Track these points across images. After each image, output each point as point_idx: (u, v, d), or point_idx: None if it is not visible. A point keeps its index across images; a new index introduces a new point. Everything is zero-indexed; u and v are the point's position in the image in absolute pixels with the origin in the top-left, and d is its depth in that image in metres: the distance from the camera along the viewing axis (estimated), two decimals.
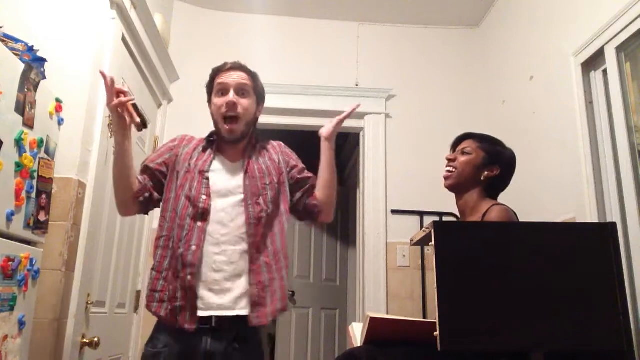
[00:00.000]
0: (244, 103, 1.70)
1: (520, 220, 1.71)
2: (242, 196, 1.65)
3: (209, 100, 1.77)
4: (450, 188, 1.77)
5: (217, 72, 1.76)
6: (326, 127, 1.84)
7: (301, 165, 1.85)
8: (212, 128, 1.77)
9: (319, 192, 1.81)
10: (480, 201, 1.72)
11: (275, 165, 1.77)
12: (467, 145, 1.76)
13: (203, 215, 1.60)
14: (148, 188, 1.69)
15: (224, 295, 1.55)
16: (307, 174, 1.84)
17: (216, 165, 1.72)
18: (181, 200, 1.63)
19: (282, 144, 1.87)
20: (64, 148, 1.86)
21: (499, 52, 3.17)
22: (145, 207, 1.72)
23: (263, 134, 2.39)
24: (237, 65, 1.75)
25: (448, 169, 1.77)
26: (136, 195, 1.67)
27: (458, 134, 1.85)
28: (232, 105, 1.67)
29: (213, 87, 1.75)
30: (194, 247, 1.55)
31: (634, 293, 1.85)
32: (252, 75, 1.76)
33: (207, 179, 1.66)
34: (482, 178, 1.72)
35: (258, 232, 1.62)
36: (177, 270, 1.56)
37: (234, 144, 1.73)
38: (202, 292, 1.54)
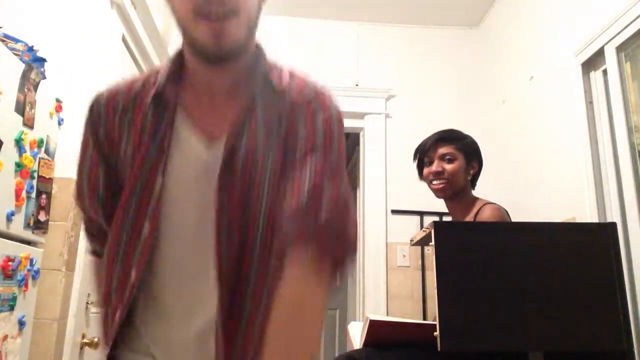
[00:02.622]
0: None
1: (520, 220, 1.71)
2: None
3: None
4: (446, 198, 1.75)
5: None
6: None
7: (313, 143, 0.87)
8: None
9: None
10: (470, 200, 1.72)
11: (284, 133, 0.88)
12: (446, 151, 1.71)
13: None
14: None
15: None
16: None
17: (179, 148, 0.87)
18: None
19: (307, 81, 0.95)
20: (64, 148, 1.86)
21: (499, 52, 3.17)
22: None
23: None
24: None
25: (437, 182, 1.71)
26: None
27: None
28: None
29: None
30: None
31: (634, 293, 1.85)
32: None
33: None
34: (468, 178, 1.73)
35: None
36: None
37: (219, 70, 0.88)
38: None
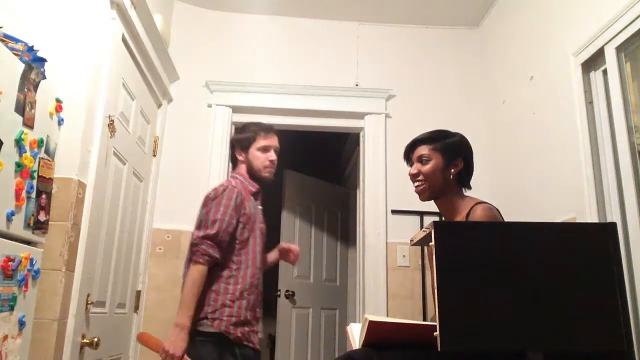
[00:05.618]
0: None
1: (520, 220, 1.71)
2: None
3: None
4: (428, 200, 1.74)
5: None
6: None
7: None
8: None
9: None
10: (459, 200, 1.70)
11: None
12: (421, 152, 1.72)
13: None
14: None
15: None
16: None
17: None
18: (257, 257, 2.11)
19: None
20: (64, 148, 1.86)
21: (499, 52, 3.17)
22: None
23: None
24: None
25: (416, 184, 1.73)
26: None
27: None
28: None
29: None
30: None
31: (634, 293, 1.85)
32: None
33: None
34: (451, 177, 1.70)
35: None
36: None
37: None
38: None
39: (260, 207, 2.23)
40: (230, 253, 2.02)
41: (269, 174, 2.19)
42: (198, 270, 1.93)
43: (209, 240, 1.96)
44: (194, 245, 1.97)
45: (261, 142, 2.18)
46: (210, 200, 2.04)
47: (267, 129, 2.23)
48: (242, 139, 2.21)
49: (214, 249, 1.96)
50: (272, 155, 2.19)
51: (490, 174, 2.95)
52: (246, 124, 2.31)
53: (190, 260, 1.96)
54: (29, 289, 1.58)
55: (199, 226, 2.01)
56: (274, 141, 2.22)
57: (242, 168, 2.21)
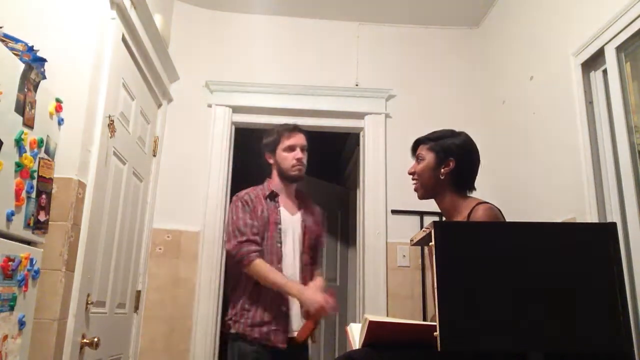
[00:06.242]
0: None
1: (520, 220, 1.70)
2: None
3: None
4: (423, 198, 1.76)
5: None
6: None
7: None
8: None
9: None
10: (458, 201, 1.70)
11: None
12: (419, 151, 1.77)
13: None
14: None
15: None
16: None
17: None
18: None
19: None
20: (64, 148, 1.86)
21: (499, 52, 3.17)
22: None
23: (262, 133, 2.41)
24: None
25: (413, 182, 1.77)
26: None
27: None
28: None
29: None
30: None
31: (634, 293, 1.85)
32: None
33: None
34: (441, 177, 1.70)
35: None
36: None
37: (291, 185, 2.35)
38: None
39: (280, 207, 2.26)
40: None
41: (299, 171, 2.25)
42: (256, 267, 2.08)
43: (242, 243, 2.10)
44: (233, 256, 2.11)
45: (285, 142, 2.25)
46: (228, 216, 2.24)
47: (290, 128, 2.29)
48: (268, 143, 2.30)
49: (249, 245, 2.10)
50: (298, 154, 2.24)
51: (490, 174, 2.94)
52: (270, 127, 2.39)
53: (241, 269, 2.11)
54: (29, 289, 1.58)
55: (228, 239, 2.17)
56: (298, 139, 2.27)
57: (274, 172, 2.31)
